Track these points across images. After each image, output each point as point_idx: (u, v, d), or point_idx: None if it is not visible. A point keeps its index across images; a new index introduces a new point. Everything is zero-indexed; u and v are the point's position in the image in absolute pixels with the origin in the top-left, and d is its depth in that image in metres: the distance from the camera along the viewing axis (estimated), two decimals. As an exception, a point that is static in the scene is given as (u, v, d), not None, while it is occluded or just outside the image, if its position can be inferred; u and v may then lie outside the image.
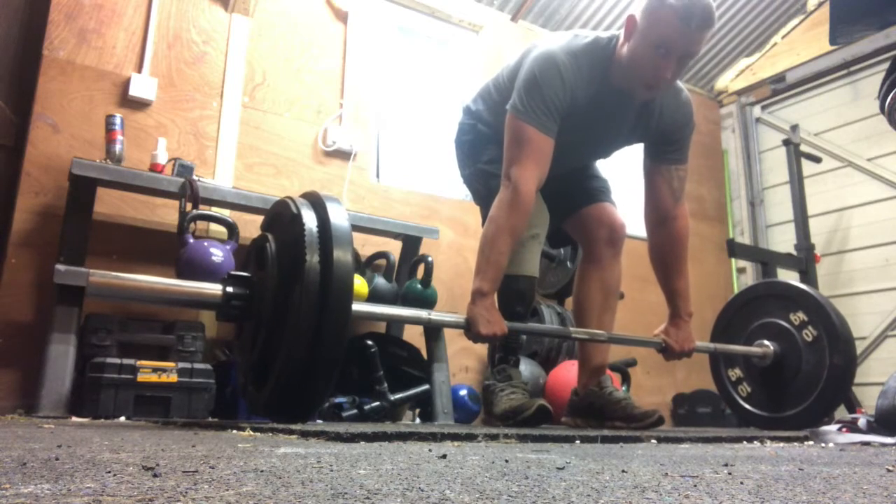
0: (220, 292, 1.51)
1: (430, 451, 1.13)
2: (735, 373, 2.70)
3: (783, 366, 2.51)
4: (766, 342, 2.57)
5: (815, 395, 2.42)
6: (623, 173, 3.88)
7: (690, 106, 2.20)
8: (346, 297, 1.42)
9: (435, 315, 2.00)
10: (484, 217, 2.24)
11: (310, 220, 1.46)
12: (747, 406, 2.64)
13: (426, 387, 2.89)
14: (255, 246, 1.60)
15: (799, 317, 2.52)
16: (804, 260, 3.93)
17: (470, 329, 1.93)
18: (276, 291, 1.48)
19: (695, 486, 0.73)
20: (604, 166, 2.47)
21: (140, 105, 2.93)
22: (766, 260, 3.84)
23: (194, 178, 2.66)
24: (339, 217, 1.46)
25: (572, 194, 2.33)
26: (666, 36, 1.86)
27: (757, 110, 4.97)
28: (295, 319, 1.40)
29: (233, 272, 1.59)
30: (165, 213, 2.85)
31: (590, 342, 2.20)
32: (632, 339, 2.28)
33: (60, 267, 2.27)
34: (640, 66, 1.92)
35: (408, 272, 3.12)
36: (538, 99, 1.94)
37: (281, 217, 1.58)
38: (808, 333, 2.48)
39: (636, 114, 2.10)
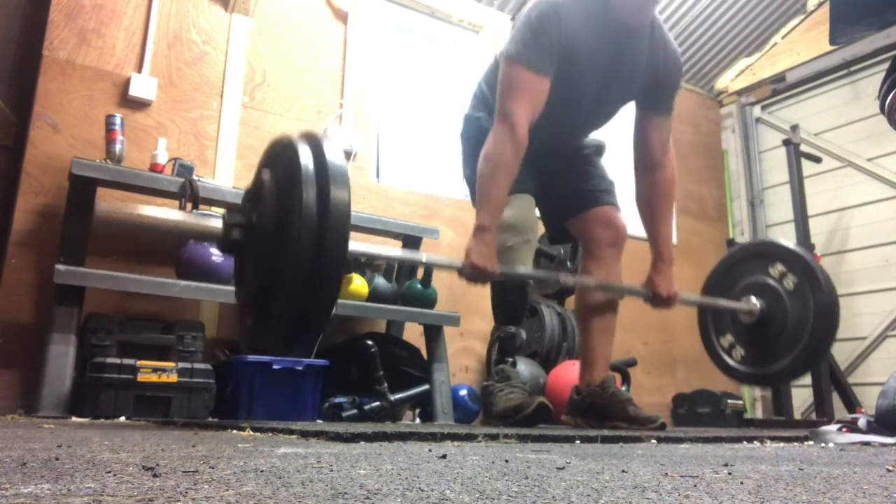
0: (220, 228, 1.54)
1: (430, 451, 1.13)
2: (726, 339, 2.68)
3: (771, 318, 2.49)
4: (752, 298, 2.56)
5: (805, 338, 2.40)
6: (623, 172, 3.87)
7: (679, 56, 2.27)
8: (342, 233, 1.42)
9: (431, 257, 2.04)
10: None
11: (306, 156, 1.46)
12: (743, 368, 2.61)
13: (426, 387, 2.89)
14: (254, 182, 1.61)
15: (777, 269, 2.52)
16: (804, 260, 3.92)
17: (465, 259, 1.94)
18: (275, 225, 1.48)
19: (695, 486, 0.73)
20: (606, 166, 2.46)
21: (140, 105, 2.93)
22: (766, 260, 3.84)
23: (194, 178, 2.66)
24: (335, 155, 1.47)
25: (577, 196, 2.34)
26: None
27: (757, 110, 4.97)
28: (293, 253, 1.41)
29: (232, 209, 1.59)
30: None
31: (581, 289, 2.22)
32: (619, 287, 2.31)
33: (60, 267, 2.27)
34: None
35: (408, 272, 3.12)
36: (531, 40, 1.98)
37: (278, 154, 1.58)
38: (789, 282, 2.49)
39: (640, 53, 2.13)
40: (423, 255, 2.17)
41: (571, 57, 2.01)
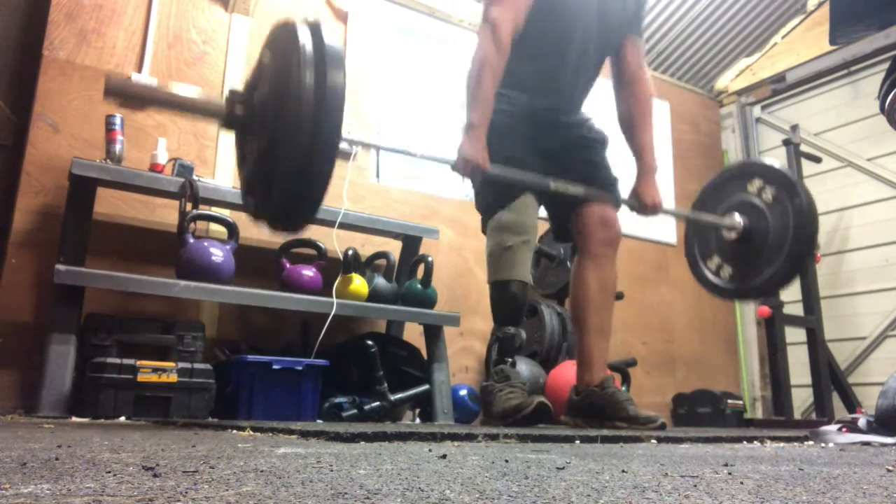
0: (223, 105, 1.61)
1: (430, 451, 1.13)
2: (713, 262, 2.67)
3: (754, 232, 2.49)
4: (735, 215, 2.55)
5: (789, 240, 2.40)
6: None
7: None
8: (338, 112, 1.48)
9: (423, 151, 2.13)
10: (483, 224, 2.30)
11: (306, 39, 1.52)
12: (732, 286, 2.60)
13: (426, 387, 2.89)
14: (257, 63, 1.67)
15: (755, 185, 2.54)
16: (804, 260, 3.92)
17: (457, 155, 2.03)
18: (274, 103, 1.53)
19: (695, 486, 0.73)
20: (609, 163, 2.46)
21: (140, 105, 2.93)
22: (766, 259, 3.84)
23: (194, 178, 2.65)
24: (332, 38, 1.54)
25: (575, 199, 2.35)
26: None
27: (757, 110, 4.97)
28: (292, 128, 1.47)
29: (235, 90, 1.66)
30: (165, 213, 2.85)
31: (572, 193, 2.22)
32: (609, 195, 2.33)
33: (60, 267, 2.27)
34: None
35: (408, 272, 3.12)
36: None
37: (279, 37, 1.63)
38: (767, 195, 2.50)
39: None
40: (419, 150, 2.18)
41: None
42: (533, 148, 2.24)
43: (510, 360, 2.26)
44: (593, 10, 2.26)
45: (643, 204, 2.35)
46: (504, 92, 2.24)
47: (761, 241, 2.47)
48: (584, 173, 2.34)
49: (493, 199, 2.25)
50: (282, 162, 1.50)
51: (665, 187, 4.40)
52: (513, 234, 2.18)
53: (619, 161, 2.47)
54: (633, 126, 2.40)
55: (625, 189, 2.43)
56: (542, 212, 2.43)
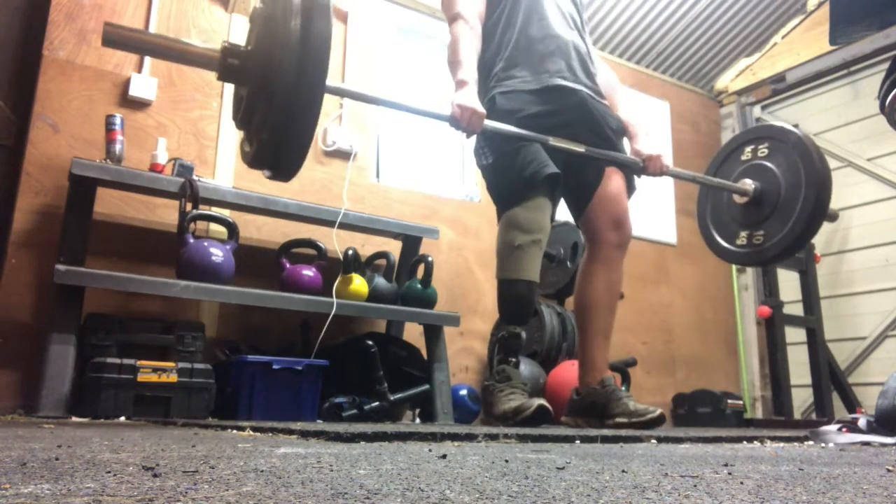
0: (218, 55, 1.64)
1: (430, 451, 1.13)
2: (728, 230, 2.65)
3: (765, 193, 2.48)
4: (746, 180, 2.54)
5: (801, 196, 2.39)
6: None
7: None
8: (322, 59, 1.56)
9: (421, 109, 2.12)
10: (499, 214, 2.28)
11: None
12: (749, 250, 2.57)
13: (426, 387, 2.89)
14: (251, 15, 1.75)
15: (763, 149, 2.54)
16: (804, 260, 3.93)
17: (452, 106, 2.05)
18: (265, 52, 1.60)
19: (695, 486, 0.73)
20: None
21: (140, 105, 2.93)
22: (766, 260, 3.84)
23: (194, 178, 2.66)
24: None
25: (597, 169, 2.35)
26: None
27: (757, 110, 4.97)
28: (277, 79, 1.54)
29: (231, 43, 1.71)
30: (165, 213, 2.85)
31: (573, 151, 2.21)
32: (610, 156, 2.30)
33: (60, 267, 2.27)
34: None
35: (408, 272, 3.12)
36: None
37: None
38: (776, 154, 2.50)
39: None
40: (414, 108, 2.16)
41: None
42: (543, 127, 2.18)
43: (513, 360, 2.25)
44: None
45: (647, 158, 2.30)
46: (508, 85, 2.26)
47: (773, 200, 2.45)
48: (600, 143, 2.31)
49: (507, 193, 2.22)
50: (269, 105, 1.56)
51: (665, 187, 4.42)
52: (523, 233, 2.16)
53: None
54: (616, 99, 2.45)
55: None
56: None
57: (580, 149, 2.17)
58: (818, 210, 2.42)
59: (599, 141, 2.27)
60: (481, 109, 2.03)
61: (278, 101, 1.54)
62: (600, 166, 2.33)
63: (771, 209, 2.46)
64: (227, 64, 1.62)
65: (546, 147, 2.15)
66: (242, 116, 1.71)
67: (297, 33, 1.52)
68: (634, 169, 2.33)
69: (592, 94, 2.35)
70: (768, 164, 2.49)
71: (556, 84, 2.26)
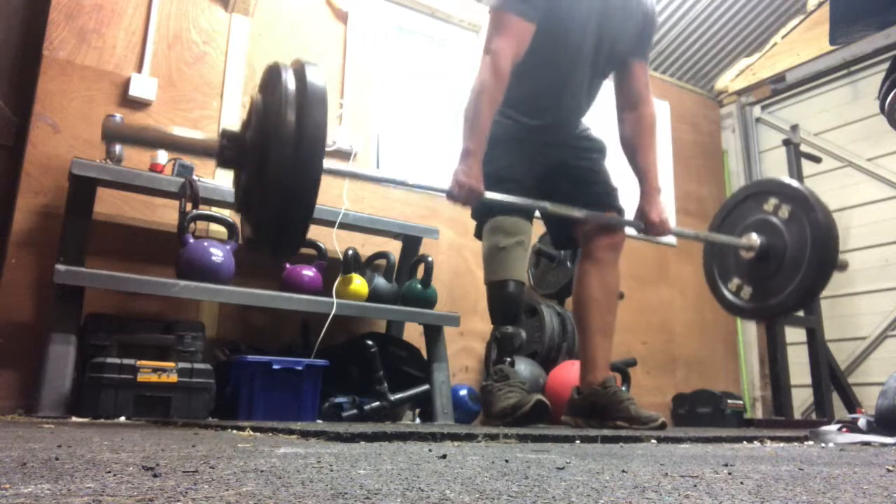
0: (217, 144, 1.68)
1: (430, 451, 1.13)
2: (733, 283, 2.67)
3: (772, 249, 2.48)
4: (752, 235, 2.55)
5: (807, 258, 2.39)
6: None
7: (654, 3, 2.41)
8: (317, 149, 1.59)
9: (414, 180, 2.12)
10: (478, 232, 2.33)
11: (289, 81, 1.63)
12: (753, 305, 2.58)
13: (426, 387, 2.89)
14: (249, 105, 1.77)
15: (771, 203, 2.54)
16: (804, 260, 3.92)
17: (452, 179, 2.02)
18: (262, 141, 1.63)
19: (695, 486, 0.73)
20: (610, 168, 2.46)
21: (140, 105, 2.93)
22: (766, 260, 3.83)
23: (194, 178, 2.65)
24: (315, 79, 1.64)
25: (579, 198, 2.35)
26: None
27: (757, 110, 4.97)
28: (274, 164, 1.57)
29: (228, 129, 1.73)
30: (165, 213, 2.85)
31: (565, 216, 2.24)
32: (613, 219, 2.32)
33: (60, 267, 2.26)
34: None
35: (408, 272, 3.12)
36: None
37: (268, 80, 1.74)
38: (784, 212, 2.50)
39: (626, 6, 2.26)
40: (409, 178, 2.18)
41: (560, 8, 2.14)
42: (526, 157, 2.26)
43: (509, 359, 2.27)
44: (592, 34, 2.22)
45: (650, 222, 2.29)
46: (499, 109, 2.26)
47: (779, 258, 2.46)
48: (582, 186, 2.35)
49: (485, 208, 2.26)
50: (266, 194, 1.59)
51: (665, 187, 4.41)
52: (506, 235, 2.20)
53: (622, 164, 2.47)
54: (637, 148, 2.36)
55: (628, 207, 2.42)
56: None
57: (580, 213, 2.22)
58: (825, 268, 2.44)
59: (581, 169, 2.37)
60: (479, 187, 2.03)
61: (275, 191, 1.57)
62: (595, 203, 2.34)
63: (777, 265, 2.47)
64: (226, 152, 1.65)
65: (521, 164, 2.21)
66: (241, 201, 1.75)
67: (293, 124, 1.55)
68: (632, 224, 2.34)
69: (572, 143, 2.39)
70: (774, 219, 2.51)
71: (544, 133, 2.32)
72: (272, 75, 1.69)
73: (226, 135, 1.67)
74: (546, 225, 2.54)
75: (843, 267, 2.57)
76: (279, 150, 1.55)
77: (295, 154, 1.55)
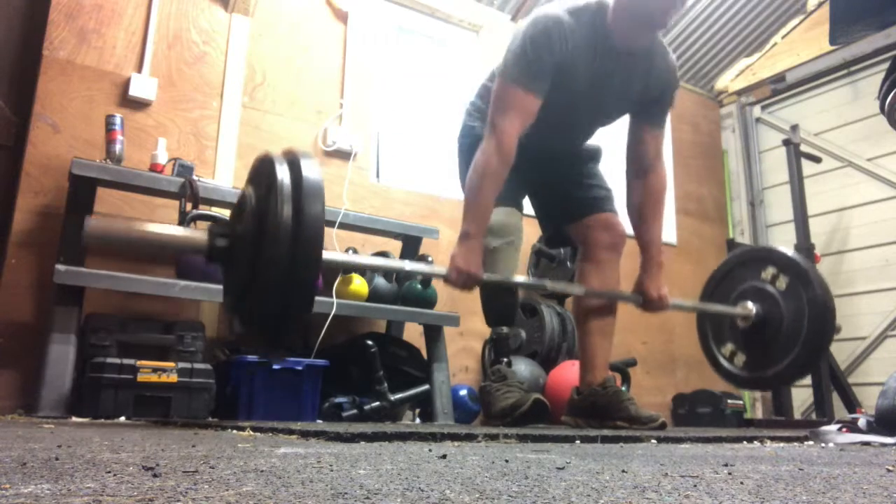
0: (206, 239, 1.61)
1: (430, 451, 1.13)
2: (727, 348, 2.69)
3: (768, 320, 2.51)
4: (748, 303, 2.57)
5: (803, 334, 2.42)
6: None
7: (677, 71, 2.28)
8: (314, 246, 1.52)
9: (414, 265, 2.11)
10: None
11: (284, 174, 1.55)
12: (748, 374, 2.62)
13: (426, 387, 2.89)
14: (239, 197, 1.69)
15: (769, 272, 2.55)
16: (804, 260, 3.92)
17: (451, 264, 1.99)
18: (255, 235, 1.56)
19: (695, 486, 0.73)
20: (607, 172, 2.47)
21: (140, 105, 2.93)
22: (766, 260, 3.84)
23: (194, 178, 2.66)
24: (310, 170, 1.55)
25: (576, 203, 2.36)
26: None
27: (757, 110, 4.97)
28: (267, 266, 1.50)
29: (217, 222, 1.67)
30: (165, 213, 2.85)
31: (566, 293, 2.25)
32: (610, 293, 2.32)
33: (60, 267, 2.27)
34: (644, 6, 1.98)
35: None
36: (523, 60, 2.00)
37: (260, 171, 1.67)
38: (781, 282, 2.51)
39: (637, 72, 2.15)
40: (406, 263, 2.20)
41: (564, 73, 2.03)
42: (519, 160, 2.23)
43: (506, 359, 2.27)
44: (595, 98, 2.15)
45: (648, 298, 2.25)
46: (484, 108, 2.24)
47: (775, 329, 2.48)
48: (576, 188, 2.34)
49: None
50: (261, 294, 1.52)
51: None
52: (496, 237, 2.19)
53: (618, 165, 2.47)
54: (643, 219, 2.29)
55: (621, 193, 2.42)
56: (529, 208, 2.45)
57: (580, 290, 2.24)
58: (822, 344, 2.47)
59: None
60: (478, 273, 1.99)
61: (271, 290, 1.50)
62: (585, 205, 2.35)
63: (773, 335, 2.49)
64: (215, 248, 1.58)
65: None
66: (232, 298, 1.67)
67: (289, 221, 1.46)
68: (630, 299, 2.31)
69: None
70: (771, 288, 2.53)
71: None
72: (264, 166, 1.60)
73: (215, 230, 1.59)
74: (540, 224, 2.54)
75: (837, 331, 2.63)
76: (275, 247, 1.46)
77: (292, 252, 1.46)
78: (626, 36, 2.05)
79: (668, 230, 4.50)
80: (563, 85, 2.04)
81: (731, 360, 2.66)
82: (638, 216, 2.30)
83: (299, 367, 2.47)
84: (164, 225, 1.72)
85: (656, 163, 2.29)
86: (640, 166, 2.28)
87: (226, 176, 3.06)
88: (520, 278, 2.17)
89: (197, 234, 1.62)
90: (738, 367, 2.63)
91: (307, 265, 1.50)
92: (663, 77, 2.20)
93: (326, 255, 1.62)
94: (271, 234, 1.47)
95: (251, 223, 1.56)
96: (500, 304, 2.23)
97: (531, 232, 2.88)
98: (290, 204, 1.48)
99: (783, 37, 4.74)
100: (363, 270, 2.95)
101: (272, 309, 1.52)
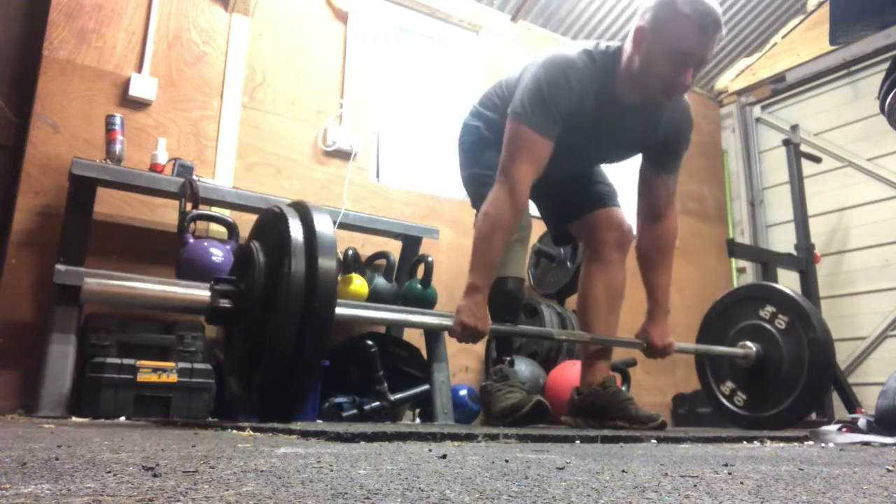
0: (208, 298, 1.52)
1: (430, 451, 1.13)
2: (727, 387, 2.72)
3: (767, 360, 2.53)
4: (748, 343, 2.59)
5: (804, 377, 2.44)
6: (626, 178, 3.87)
7: (691, 115, 2.26)
8: (329, 305, 1.44)
9: (423, 318, 2.03)
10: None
11: (296, 229, 1.48)
12: (747, 413, 2.64)
13: (426, 387, 2.88)
14: (242, 253, 1.61)
15: (768, 310, 2.57)
16: (804, 260, 3.92)
17: (457, 317, 1.98)
18: (263, 298, 1.49)
19: (695, 486, 0.73)
20: (609, 171, 2.47)
21: (140, 105, 2.93)
22: (766, 260, 3.84)
23: (194, 178, 2.66)
24: (324, 226, 1.48)
25: (579, 199, 2.35)
26: (684, 46, 1.90)
27: (757, 110, 4.96)
28: (279, 326, 1.42)
29: (220, 278, 1.60)
30: (165, 213, 2.85)
31: (575, 342, 2.24)
32: (614, 340, 2.30)
33: (60, 267, 2.27)
34: (656, 75, 1.95)
35: (408, 272, 3.12)
36: (539, 102, 1.97)
37: (268, 225, 1.59)
38: (781, 322, 2.53)
39: (641, 124, 2.13)
40: (415, 317, 2.17)
41: (579, 113, 2.02)
42: None
43: (508, 359, 2.27)
44: (602, 140, 2.15)
45: (653, 346, 2.25)
46: (489, 115, 2.24)
47: (775, 369, 2.50)
48: (580, 184, 2.34)
49: (481, 200, 2.25)
50: (270, 361, 1.45)
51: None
52: None
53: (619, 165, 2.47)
54: (652, 265, 2.27)
55: (627, 194, 2.42)
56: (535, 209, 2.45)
57: (586, 338, 2.23)
58: (822, 385, 2.50)
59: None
60: (485, 328, 1.98)
61: (280, 360, 1.41)
62: (596, 200, 2.34)
63: (773, 376, 2.51)
64: (219, 308, 1.50)
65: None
66: (235, 363, 1.58)
67: (303, 276, 1.38)
68: (634, 344, 2.30)
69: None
70: (769, 327, 2.55)
71: None
72: (273, 220, 1.52)
73: (218, 289, 1.50)
74: (545, 220, 2.53)
75: None
76: (287, 306, 1.37)
77: (305, 309, 1.39)
78: (630, 93, 2.04)
79: (668, 230, 4.50)
80: (566, 128, 2.02)
81: (731, 399, 2.68)
82: (646, 262, 2.29)
83: (299, 367, 2.46)
84: (163, 282, 1.66)
85: (668, 210, 2.26)
86: (651, 212, 2.26)
87: (226, 176, 3.06)
88: (526, 328, 2.12)
89: (198, 293, 1.54)
90: (739, 406, 2.66)
91: (318, 349, 1.43)
92: (675, 121, 2.17)
93: (338, 309, 1.55)
94: (284, 290, 1.38)
95: (259, 279, 1.48)
96: (505, 302, 2.22)
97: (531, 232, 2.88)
98: (303, 259, 1.39)
99: (783, 37, 4.74)
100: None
101: (276, 386, 1.46)
